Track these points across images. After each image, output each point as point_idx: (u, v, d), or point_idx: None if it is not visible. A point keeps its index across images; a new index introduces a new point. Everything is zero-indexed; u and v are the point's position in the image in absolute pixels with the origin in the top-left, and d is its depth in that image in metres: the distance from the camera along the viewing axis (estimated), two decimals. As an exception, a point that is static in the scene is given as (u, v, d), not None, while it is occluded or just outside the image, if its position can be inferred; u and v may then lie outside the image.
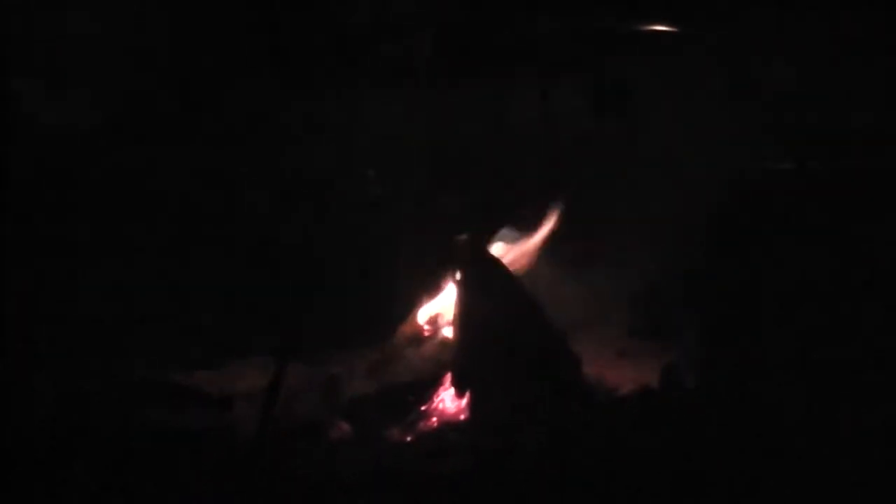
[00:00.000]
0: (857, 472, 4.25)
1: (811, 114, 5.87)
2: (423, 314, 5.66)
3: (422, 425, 5.06)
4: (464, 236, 5.54)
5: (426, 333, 5.59)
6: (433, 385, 5.25)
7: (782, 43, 5.90)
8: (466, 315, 5.29)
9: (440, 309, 5.61)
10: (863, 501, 4.08)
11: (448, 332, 5.46)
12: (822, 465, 4.28)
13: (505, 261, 5.65)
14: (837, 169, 5.80)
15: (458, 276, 5.46)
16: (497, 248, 5.72)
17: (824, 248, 5.43)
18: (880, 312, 5.14)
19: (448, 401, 5.15)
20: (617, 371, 5.40)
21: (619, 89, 6.01)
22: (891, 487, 4.07)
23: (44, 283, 5.45)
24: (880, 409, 4.72)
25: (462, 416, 5.07)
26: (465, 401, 5.09)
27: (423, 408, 5.15)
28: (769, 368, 5.10)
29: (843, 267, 5.34)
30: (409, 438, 4.97)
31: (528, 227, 5.73)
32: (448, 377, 5.18)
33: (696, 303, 5.53)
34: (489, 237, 5.68)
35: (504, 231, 5.72)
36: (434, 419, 5.10)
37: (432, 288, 5.70)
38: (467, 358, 5.17)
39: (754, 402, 4.89)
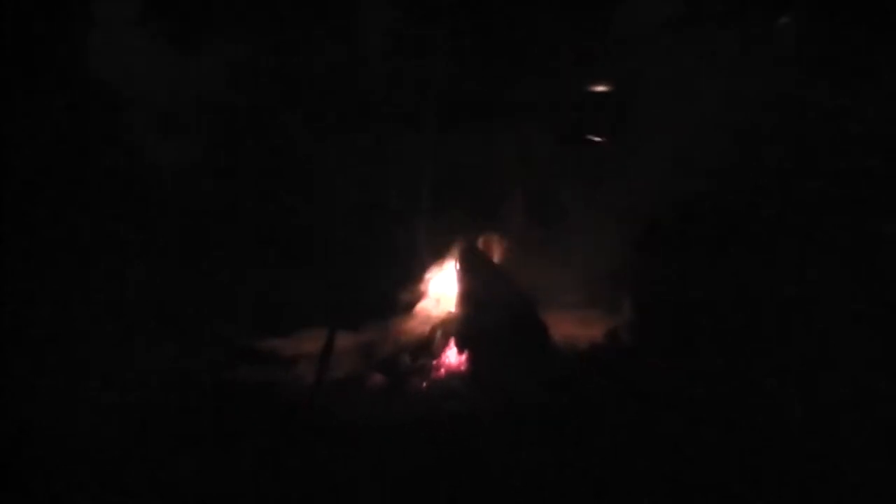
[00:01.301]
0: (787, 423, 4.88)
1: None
2: (434, 295, 6.42)
3: (433, 375, 5.87)
4: (461, 238, 6.38)
5: (436, 309, 6.35)
6: (442, 346, 6.07)
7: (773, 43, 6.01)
8: (464, 295, 6.23)
9: (445, 291, 6.41)
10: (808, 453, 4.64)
11: (451, 307, 6.31)
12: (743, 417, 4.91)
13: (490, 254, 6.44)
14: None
15: (458, 266, 6.38)
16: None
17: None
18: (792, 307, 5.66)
19: (452, 357, 5.99)
20: (575, 334, 6.17)
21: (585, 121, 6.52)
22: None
23: (132, 259, 5.97)
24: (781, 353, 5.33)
25: (463, 368, 5.91)
26: (464, 357, 5.95)
27: (434, 362, 5.98)
28: (692, 332, 5.84)
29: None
30: (424, 385, 5.77)
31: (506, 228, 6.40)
32: (452, 340, 6.07)
33: (633, 284, 6.34)
34: (478, 237, 6.40)
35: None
36: (442, 371, 5.91)
37: (440, 276, 6.45)
38: (466, 326, 6.07)
39: (679, 355, 5.65)
